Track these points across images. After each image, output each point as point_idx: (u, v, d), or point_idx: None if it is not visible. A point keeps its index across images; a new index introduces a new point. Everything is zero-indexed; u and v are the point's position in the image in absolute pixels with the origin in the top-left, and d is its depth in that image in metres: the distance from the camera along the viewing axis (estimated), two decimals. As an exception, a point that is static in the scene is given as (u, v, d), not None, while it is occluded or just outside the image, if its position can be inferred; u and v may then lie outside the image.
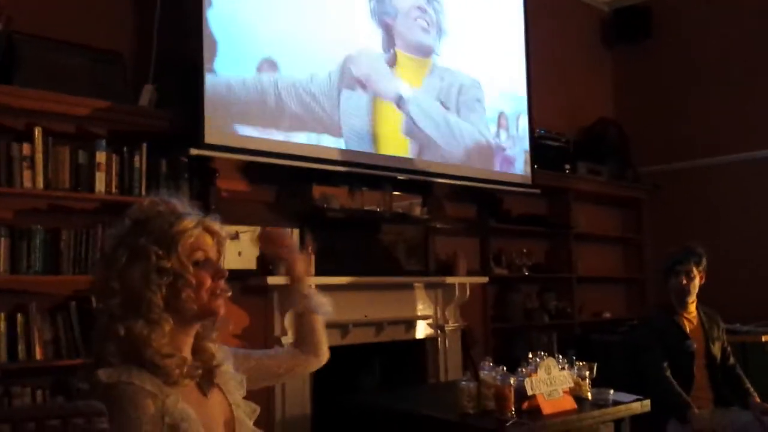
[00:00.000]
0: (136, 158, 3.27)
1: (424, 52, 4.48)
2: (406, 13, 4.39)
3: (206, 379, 1.38)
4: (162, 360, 1.26)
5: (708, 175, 5.82)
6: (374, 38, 4.22)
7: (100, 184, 3.15)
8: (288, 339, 3.64)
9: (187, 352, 1.36)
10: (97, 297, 1.33)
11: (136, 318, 1.27)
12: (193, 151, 3.27)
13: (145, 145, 3.28)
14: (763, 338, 4.44)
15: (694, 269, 3.46)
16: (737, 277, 5.20)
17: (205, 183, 3.48)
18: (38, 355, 2.95)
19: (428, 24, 4.51)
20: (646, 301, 6.07)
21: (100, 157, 3.15)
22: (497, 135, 4.85)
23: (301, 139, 3.75)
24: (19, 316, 2.93)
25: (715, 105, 5.81)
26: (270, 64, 3.64)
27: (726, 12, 5.80)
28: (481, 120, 4.74)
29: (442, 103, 4.47)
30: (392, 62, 4.28)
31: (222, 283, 1.37)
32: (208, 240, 1.37)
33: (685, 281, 3.45)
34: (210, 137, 3.33)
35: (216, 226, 1.39)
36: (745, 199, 5.60)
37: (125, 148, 3.24)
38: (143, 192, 3.27)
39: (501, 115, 4.90)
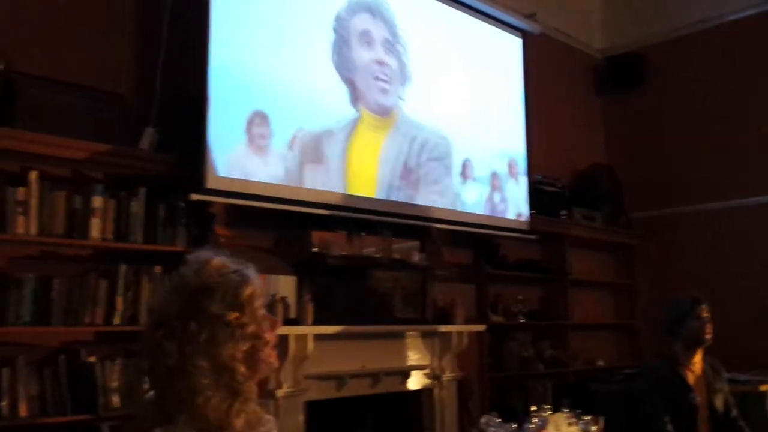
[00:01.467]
0: (134, 203, 3.16)
1: (385, 111, 4.22)
2: (364, 68, 4.11)
3: None
4: None
5: (700, 222, 5.83)
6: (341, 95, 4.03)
7: (95, 230, 3.04)
8: (283, 391, 3.50)
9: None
10: (168, 373, 1.20)
11: (220, 392, 1.20)
12: (194, 197, 3.17)
13: (143, 189, 3.17)
14: (762, 388, 4.38)
15: (708, 313, 3.41)
16: (732, 324, 5.14)
17: (203, 229, 3.37)
18: (23, 412, 2.79)
19: (388, 79, 4.22)
20: (639, 349, 6.01)
21: (97, 202, 3.05)
22: (490, 197, 4.78)
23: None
24: (4, 369, 2.77)
25: (706, 152, 5.84)
26: (261, 117, 3.53)
27: (717, 58, 5.88)
28: (446, 178, 4.53)
29: (404, 164, 4.27)
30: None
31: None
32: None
33: (706, 324, 3.38)
34: (211, 182, 3.24)
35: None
36: (736, 246, 5.61)
37: (122, 193, 3.14)
38: (139, 239, 3.16)
39: (494, 175, 4.82)
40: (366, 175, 4.05)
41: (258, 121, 3.48)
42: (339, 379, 3.82)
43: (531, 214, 5.01)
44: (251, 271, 1.30)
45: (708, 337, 3.38)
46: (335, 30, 4.01)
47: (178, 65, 3.42)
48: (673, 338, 3.44)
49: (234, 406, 1.21)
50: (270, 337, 1.29)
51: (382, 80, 4.19)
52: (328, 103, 3.91)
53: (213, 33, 3.32)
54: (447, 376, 4.36)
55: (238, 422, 1.21)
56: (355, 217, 3.94)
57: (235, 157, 3.39)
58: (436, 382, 4.32)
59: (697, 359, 3.44)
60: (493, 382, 4.88)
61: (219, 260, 1.28)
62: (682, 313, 3.41)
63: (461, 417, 4.43)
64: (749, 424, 3.59)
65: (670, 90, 6.12)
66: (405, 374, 4.21)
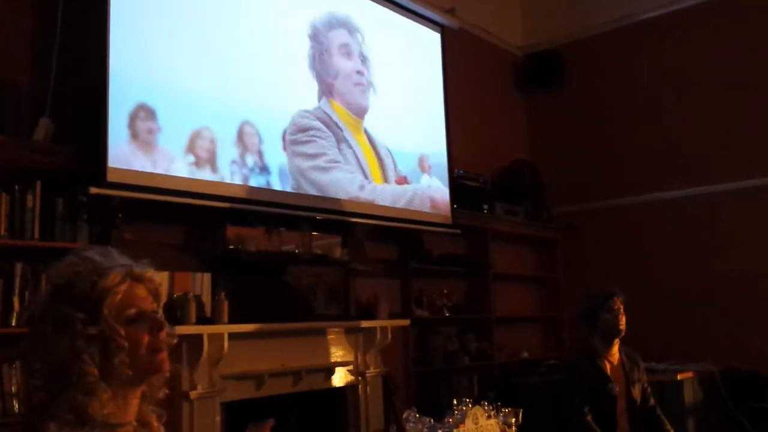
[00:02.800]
0: (29, 198, 2.97)
1: (360, 113, 4.46)
2: (347, 76, 4.38)
3: None
4: (111, 429, 1.18)
5: (619, 216, 5.98)
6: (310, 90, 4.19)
7: (-14, 227, 2.84)
8: (197, 392, 3.37)
9: (131, 418, 1.25)
10: (25, 374, 1.20)
11: (70, 390, 1.15)
12: (93, 190, 3.01)
13: (39, 183, 2.99)
14: (679, 377, 4.50)
15: (622, 305, 3.47)
16: (650, 315, 5.30)
17: (106, 225, 3.20)
18: None
19: (365, 86, 4.49)
20: (562, 340, 6.12)
21: (-12, 196, 2.85)
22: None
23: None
24: None
25: (623, 147, 6.00)
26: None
27: (630, 56, 6.05)
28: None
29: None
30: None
31: (163, 335, 1.25)
32: (140, 291, 1.24)
33: (619, 316, 3.44)
34: (112, 175, 3.08)
35: (147, 273, 1.26)
36: (654, 239, 5.77)
37: (17, 187, 2.94)
38: (36, 235, 2.98)
39: (422, 158, 4.86)
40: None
41: (143, 116, 3.29)
42: (257, 378, 3.70)
43: (453, 209, 5.01)
44: (129, 269, 1.23)
45: (621, 328, 3.44)
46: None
47: (75, 53, 3.24)
48: (591, 331, 3.50)
49: (90, 406, 1.15)
50: (137, 341, 1.21)
51: (361, 83, 4.48)
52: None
53: (112, 21, 3.16)
54: (371, 371, 4.30)
55: (107, 417, 1.17)
56: (272, 212, 3.83)
57: (121, 152, 3.19)
58: (360, 378, 4.26)
59: (615, 350, 3.50)
60: (419, 376, 4.86)
61: (80, 257, 1.23)
62: (596, 307, 3.48)
63: (387, 413, 4.37)
64: (667, 412, 3.67)
65: (587, 87, 6.26)
66: (328, 371, 4.12)
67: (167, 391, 1.33)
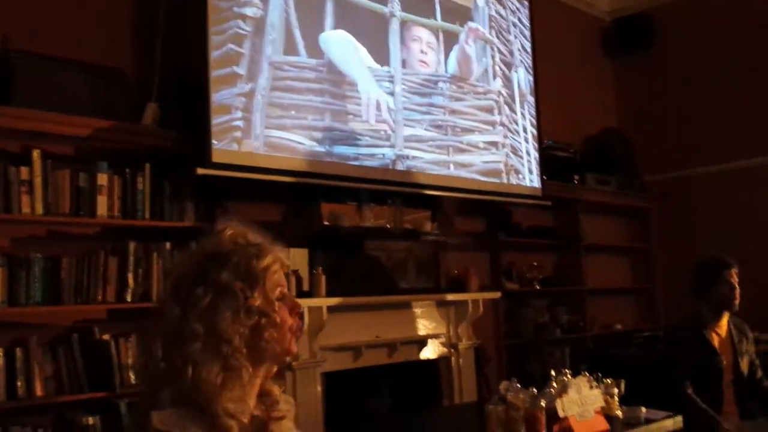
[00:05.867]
0: (139, 180, 3.12)
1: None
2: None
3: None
4: (226, 420, 1.12)
5: (714, 182, 5.74)
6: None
7: (101, 208, 3.01)
8: (300, 363, 3.48)
9: (252, 398, 1.23)
10: (169, 339, 1.16)
11: (215, 363, 1.13)
12: (200, 171, 3.12)
13: (148, 165, 3.13)
14: (786, 347, 4.31)
15: (738, 277, 3.32)
16: (752, 283, 5.05)
17: (210, 204, 3.33)
18: (39, 392, 2.78)
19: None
20: (657, 312, 5.95)
21: (102, 179, 3.01)
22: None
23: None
24: (18, 350, 2.76)
25: (719, 111, 5.73)
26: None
27: (727, 17, 5.74)
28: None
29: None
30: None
31: (298, 318, 1.27)
32: (283, 273, 1.26)
33: (735, 289, 3.31)
34: (216, 156, 3.19)
35: (288, 258, 1.29)
36: (751, 205, 5.51)
37: (127, 170, 3.10)
38: (147, 215, 3.13)
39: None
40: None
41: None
42: (355, 349, 3.80)
43: (543, 180, 4.94)
44: (275, 249, 1.25)
45: (736, 302, 3.29)
46: None
47: (178, 39, 3.36)
48: (701, 301, 3.36)
49: (227, 383, 1.13)
50: (284, 319, 1.21)
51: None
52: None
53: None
54: (463, 344, 4.33)
55: (229, 404, 1.13)
56: (365, 188, 3.88)
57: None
58: (452, 350, 4.29)
59: (723, 322, 3.36)
60: (510, 348, 4.86)
61: (238, 230, 1.24)
62: (710, 277, 3.32)
63: (479, 384, 4.40)
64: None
65: (680, 50, 5.99)
66: (421, 343, 4.18)
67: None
